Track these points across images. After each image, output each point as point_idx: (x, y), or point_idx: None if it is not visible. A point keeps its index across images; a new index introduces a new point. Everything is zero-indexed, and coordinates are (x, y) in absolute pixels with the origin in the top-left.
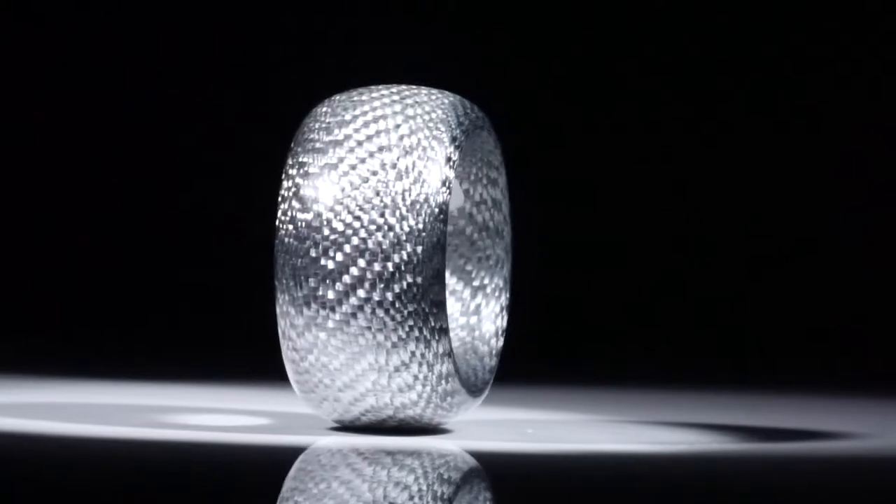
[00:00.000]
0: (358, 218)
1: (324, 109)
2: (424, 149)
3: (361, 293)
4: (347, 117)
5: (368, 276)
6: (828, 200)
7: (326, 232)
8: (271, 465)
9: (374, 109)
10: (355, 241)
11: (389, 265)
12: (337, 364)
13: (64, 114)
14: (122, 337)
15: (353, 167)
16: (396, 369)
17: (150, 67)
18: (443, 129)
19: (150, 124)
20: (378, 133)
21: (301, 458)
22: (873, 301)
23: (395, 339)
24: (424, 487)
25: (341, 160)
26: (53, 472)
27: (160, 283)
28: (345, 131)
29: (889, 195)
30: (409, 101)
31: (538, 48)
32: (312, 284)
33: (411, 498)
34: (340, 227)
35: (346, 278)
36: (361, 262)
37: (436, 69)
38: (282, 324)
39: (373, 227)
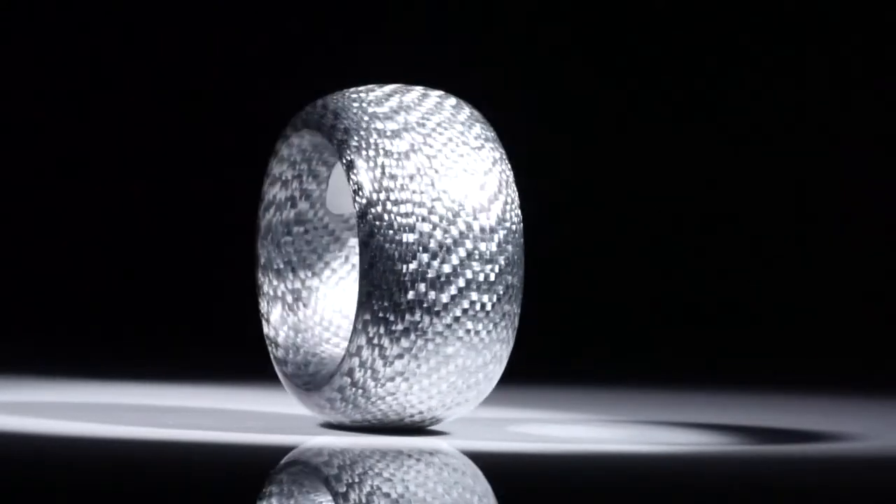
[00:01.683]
0: (454, 222)
1: (371, 109)
2: (489, 149)
3: (470, 296)
4: (397, 117)
5: (477, 278)
6: (828, 200)
7: (423, 236)
8: (270, 465)
9: (414, 107)
10: (457, 244)
11: (492, 268)
12: (426, 368)
13: (64, 114)
14: (121, 337)
15: (438, 172)
16: (477, 369)
17: (151, 67)
18: (488, 126)
19: (150, 123)
20: (439, 132)
21: (336, 460)
22: (873, 301)
23: (487, 340)
24: (487, 488)
25: (427, 166)
26: (53, 472)
27: (160, 283)
28: (403, 132)
29: (889, 196)
30: (449, 102)
31: (539, 48)
32: (421, 289)
33: (480, 499)
34: (441, 231)
35: (455, 282)
36: (466, 265)
37: (418, 68)
38: (371, 331)
39: (477, 231)
